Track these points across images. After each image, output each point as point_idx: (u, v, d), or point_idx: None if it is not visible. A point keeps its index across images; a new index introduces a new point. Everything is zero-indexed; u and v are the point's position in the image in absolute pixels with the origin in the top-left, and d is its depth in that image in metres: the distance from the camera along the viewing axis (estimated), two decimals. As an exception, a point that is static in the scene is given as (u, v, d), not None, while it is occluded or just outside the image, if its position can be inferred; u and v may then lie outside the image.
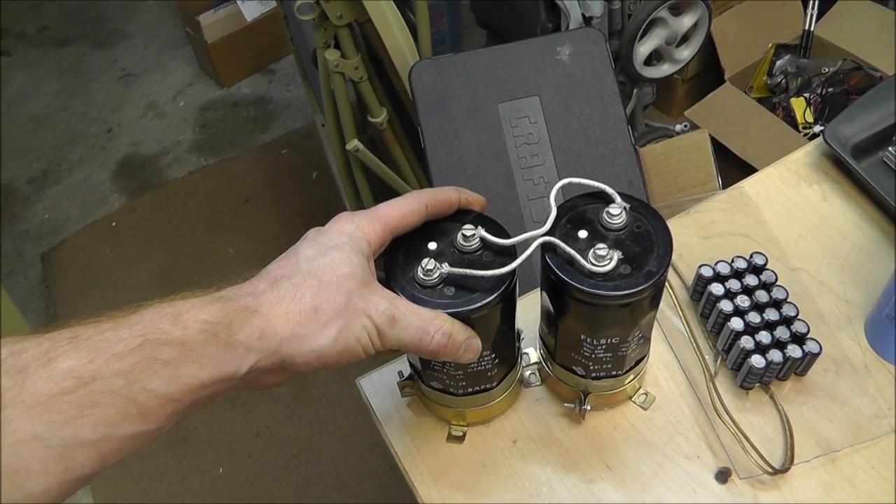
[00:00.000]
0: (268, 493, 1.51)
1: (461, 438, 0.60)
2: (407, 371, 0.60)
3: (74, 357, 0.36)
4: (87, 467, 0.36)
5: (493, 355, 0.53)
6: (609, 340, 0.52)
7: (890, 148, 0.74)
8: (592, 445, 0.60)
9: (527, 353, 0.63)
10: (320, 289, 0.43)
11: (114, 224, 2.02)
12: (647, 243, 0.49)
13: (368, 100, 1.34)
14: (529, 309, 0.65)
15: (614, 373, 0.57)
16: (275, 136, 2.18)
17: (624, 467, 0.59)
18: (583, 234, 0.50)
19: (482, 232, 0.49)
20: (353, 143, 1.37)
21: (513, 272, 0.48)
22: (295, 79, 2.31)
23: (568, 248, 0.48)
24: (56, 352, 0.36)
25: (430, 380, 0.56)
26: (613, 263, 0.48)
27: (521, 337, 0.59)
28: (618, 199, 0.50)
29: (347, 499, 1.48)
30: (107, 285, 1.88)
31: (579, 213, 0.51)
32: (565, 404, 0.60)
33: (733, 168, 1.53)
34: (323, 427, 1.58)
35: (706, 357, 0.62)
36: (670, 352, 0.64)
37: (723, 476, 0.58)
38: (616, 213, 0.49)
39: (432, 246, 0.50)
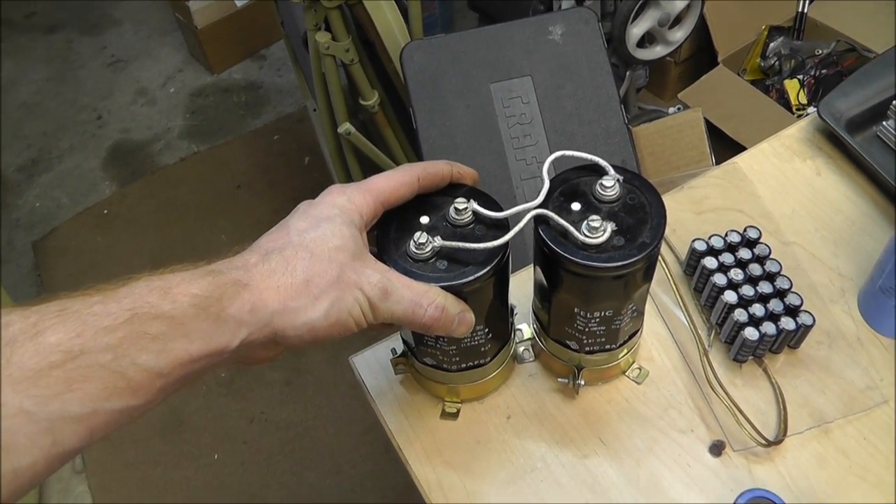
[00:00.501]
0: (263, 478, 1.51)
1: (455, 415, 0.60)
2: (400, 348, 0.60)
3: (62, 330, 0.35)
4: (75, 441, 0.36)
5: (487, 330, 0.53)
6: (603, 313, 0.52)
7: (884, 122, 0.73)
8: (586, 420, 0.60)
9: (520, 330, 0.63)
10: (312, 262, 0.43)
11: (105, 212, 2.01)
12: (641, 215, 0.49)
13: (360, 83, 1.33)
14: (522, 285, 0.65)
15: (608, 347, 0.56)
16: (266, 122, 2.17)
17: (618, 442, 0.59)
18: (576, 206, 0.49)
19: (474, 205, 0.49)
20: (345, 127, 1.36)
21: (506, 245, 0.48)
22: (286, 64, 2.30)
23: (561, 220, 0.48)
24: (44, 325, 0.35)
25: (424, 356, 0.56)
26: (607, 235, 0.47)
27: (515, 312, 0.59)
28: (611, 171, 0.50)
29: (343, 483, 1.48)
30: (99, 273, 1.87)
31: (572, 185, 0.51)
32: (559, 379, 0.60)
33: (726, 150, 1.52)
34: (318, 412, 1.58)
35: (700, 331, 0.61)
36: (664, 326, 0.64)
37: (717, 449, 0.58)
38: (609, 185, 0.49)
39: (424, 220, 0.49)
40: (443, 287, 0.46)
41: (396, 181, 0.48)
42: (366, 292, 0.44)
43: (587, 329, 0.54)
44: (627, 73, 1.59)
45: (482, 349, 0.55)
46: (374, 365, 0.64)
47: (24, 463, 0.34)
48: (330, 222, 0.44)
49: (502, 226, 0.49)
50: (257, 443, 1.56)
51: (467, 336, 0.51)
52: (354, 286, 0.43)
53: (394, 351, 0.61)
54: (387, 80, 1.38)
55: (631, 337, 0.58)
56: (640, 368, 0.62)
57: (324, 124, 1.46)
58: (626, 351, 0.59)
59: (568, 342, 0.57)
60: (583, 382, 0.58)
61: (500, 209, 0.49)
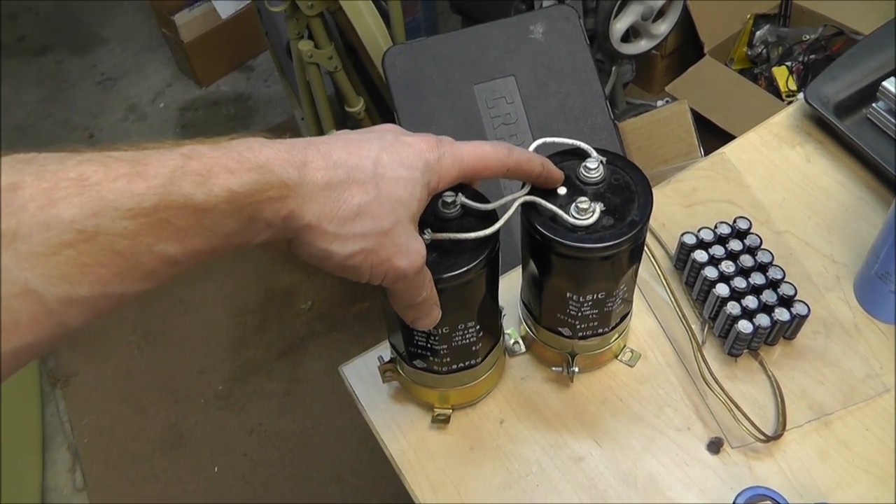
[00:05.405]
0: (264, 489, 1.49)
1: (446, 420, 0.59)
2: (388, 356, 0.59)
3: (78, 205, 0.32)
4: (80, 322, 0.33)
5: (479, 327, 0.52)
6: (595, 296, 0.52)
7: (874, 104, 0.72)
8: (581, 422, 0.59)
9: (508, 334, 0.62)
10: (373, 201, 0.40)
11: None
12: (627, 194, 0.49)
13: (345, 89, 1.32)
14: (511, 287, 0.64)
15: (601, 331, 0.56)
16: (255, 133, 2.15)
17: (614, 443, 0.57)
18: (562, 191, 0.49)
19: (463, 198, 0.48)
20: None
21: (496, 234, 0.47)
22: (273, 74, 2.28)
23: (549, 205, 0.48)
24: (58, 194, 0.31)
25: (414, 358, 0.54)
26: (596, 216, 0.47)
27: (503, 314, 0.58)
28: (594, 153, 0.50)
29: (345, 492, 1.47)
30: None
31: None
32: (553, 368, 0.59)
33: (717, 141, 1.49)
34: (317, 421, 1.57)
35: (693, 326, 0.60)
36: (656, 323, 0.63)
37: (715, 446, 0.56)
38: (594, 167, 0.49)
39: None
40: (436, 280, 0.45)
41: (489, 162, 0.45)
42: (401, 262, 0.42)
43: (580, 314, 0.53)
44: (613, 68, 1.58)
45: (473, 348, 0.54)
46: (364, 374, 0.63)
47: (26, 343, 0.31)
48: (410, 173, 0.42)
49: (491, 218, 0.48)
50: (257, 454, 1.54)
51: (459, 334, 0.51)
52: (395, 248, 0.42)
53: (381, 359, 0.60)
54: (372, 86, 1.37)
55: (623, 319, 0.57)
56: (631, 351, 0.61)
57: (311, 132, 1.45)
58: (617, 335, 0.58)
59: (560, 329, 0.56)
60: (577, 370, 0.57)
61: (488, 202, 0.49)
